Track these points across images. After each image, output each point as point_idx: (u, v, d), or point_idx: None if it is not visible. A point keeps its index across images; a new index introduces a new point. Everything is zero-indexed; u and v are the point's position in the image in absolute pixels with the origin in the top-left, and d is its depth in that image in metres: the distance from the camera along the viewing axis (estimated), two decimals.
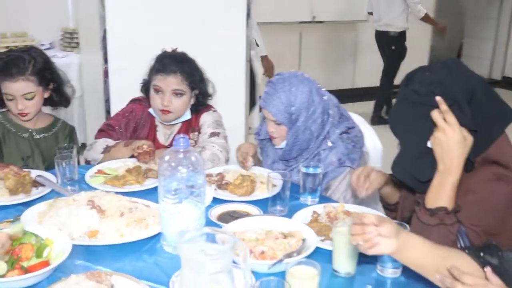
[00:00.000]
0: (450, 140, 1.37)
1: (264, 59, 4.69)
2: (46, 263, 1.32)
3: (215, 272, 1.02)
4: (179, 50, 2.33)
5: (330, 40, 7.01)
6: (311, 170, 1.85)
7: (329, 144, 2.03)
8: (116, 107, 2.58)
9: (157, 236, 1.55)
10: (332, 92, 2.14)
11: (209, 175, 1.98)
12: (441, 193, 1.41)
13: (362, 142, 2.11)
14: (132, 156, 2.14)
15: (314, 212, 1.72)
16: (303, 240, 1.46)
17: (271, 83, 2.01)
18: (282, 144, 2.05)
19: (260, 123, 2.24)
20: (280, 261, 1.32)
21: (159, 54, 2.30)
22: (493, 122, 1.44)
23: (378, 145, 2.48)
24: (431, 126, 1.41)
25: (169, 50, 2.32)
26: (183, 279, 1.07)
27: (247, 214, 1.72)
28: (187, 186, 1.43)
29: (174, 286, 1.28)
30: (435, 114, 1.39)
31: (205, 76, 2.34)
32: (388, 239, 1.18)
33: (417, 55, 6.53)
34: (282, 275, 1.25)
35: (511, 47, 8.18)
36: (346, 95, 6.39)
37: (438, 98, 1.37)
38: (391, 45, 5.66)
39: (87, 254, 1.44)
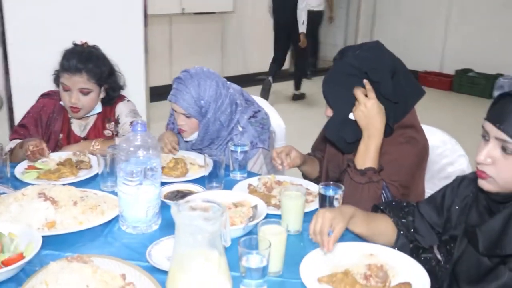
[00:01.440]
0: (370, 110, 1.64)
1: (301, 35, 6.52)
2: (20, 256, 1.32)
3: (211, 234, 1.15)
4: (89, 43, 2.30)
5: (199, 31, 7.19)
6: (239, 149, 2.02)
7: (240, 129, 2.20)
8: (20, 103, 2.49)
9: (112, 221, 1.61)
10: None
11: None
12: (367, 155, 1.67)
13: (269, 123, 2.31)
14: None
15: (250, 184, 1.89)
16: (254, 207, 1.63)
17: (179, 79, 2.11)
18: (192, 137, 2.19)
19: (169, 117, 2.34)
20: (246, 224, 1.48)
21: (67, 50, 2.25)
22: (409, 96, 1.74)
23: (281, 124, 2.70)
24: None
25: (79, 43, 2.29)
26: (179, 246, 1.17)
27: (190, 192, 1.83)
28: (146, 169, 1.52)
29: (151, 258, 1.37)
30: (357, 91, 1.65)
31: (116, 69, 2.36)
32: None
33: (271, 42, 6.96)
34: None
35: (360, 34, 9.08)
36: None
37: (365, 80, 1.65)
38: (320, 20, 7.75)
39: (52, 244, 1.45)
